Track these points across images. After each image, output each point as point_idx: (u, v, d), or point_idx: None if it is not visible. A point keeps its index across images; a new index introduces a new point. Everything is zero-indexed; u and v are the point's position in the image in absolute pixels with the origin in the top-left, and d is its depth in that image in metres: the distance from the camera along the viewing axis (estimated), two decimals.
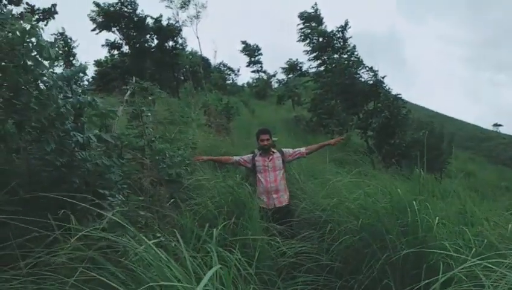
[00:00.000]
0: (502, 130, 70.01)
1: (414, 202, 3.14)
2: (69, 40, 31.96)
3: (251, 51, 51.15)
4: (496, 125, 73.57)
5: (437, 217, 2.90)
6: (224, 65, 51.96)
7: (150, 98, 3.91)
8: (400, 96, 22.99)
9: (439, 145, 19.90)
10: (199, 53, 43.19)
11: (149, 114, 3.63)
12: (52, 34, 30.79)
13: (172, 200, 3.62)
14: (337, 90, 24.90)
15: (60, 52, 3.54)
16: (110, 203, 2.39)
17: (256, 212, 3.93)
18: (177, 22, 37.68)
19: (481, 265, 2.11)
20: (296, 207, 4.84)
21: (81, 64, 3.58)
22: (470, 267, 2.14)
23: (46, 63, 2.93)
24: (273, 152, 4.91)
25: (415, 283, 2.42)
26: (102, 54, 38.39)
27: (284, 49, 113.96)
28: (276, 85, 49.70)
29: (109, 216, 2.07)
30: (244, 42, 51.02)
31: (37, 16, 20.29)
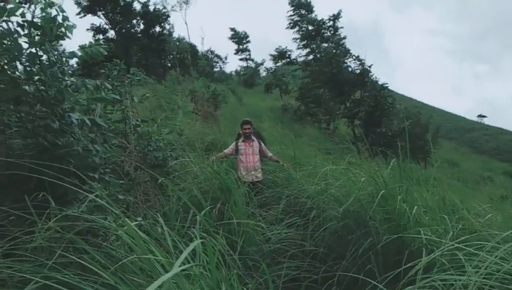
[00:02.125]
0: (486, 121, 71.45)
1: (397, 190, 3.18)
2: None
3: (239, 39, 50.67)
4: (480, 116, 74.92)
5: (417, 206, 2.93)
6: (212, 52, 51.47)
7: (126, 81, 3.76)
8: (386, 85, 23.12)
9: (424, 135, 20.16)
10: (187, 40, 42.58)
11: (134, 97, 3.53)
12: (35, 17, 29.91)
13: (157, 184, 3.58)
14: (325, 79, 24.89)
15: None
16: (91, 187, 2.33)
17: (242, 199, 3.93)
18: (165, 7, 37.07)
19: (463, 251, 2.14)
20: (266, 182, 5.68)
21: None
22: (451, 253, 2.17)
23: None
24: (253, 140, 6.16)
25: (398, 268, 2.45)
26: (87, 38, 37.46)
27: (272, 39, 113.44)
28: (264, 73, 49.41)
29: (88, 199, 2.02)
30: (232, 29, 50.52)
31: None
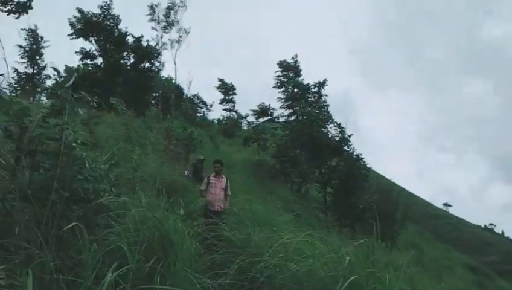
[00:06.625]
0: (451, 210, 73.68)
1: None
2: (40, 39, 30.64)
3: (226, 89, 51.31)
4: (445, 205, 77.15)
5: None
6: (199, 98, 51.61)
7: (76, 95, 3.09)
8: (362, 157, 23.20)
9: (394, 214, 19.89)
10: (174, 80, 42.69)
11: (80, 112, 2.91)
12: (22, 29, 29.61)
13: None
14: (304, 140, 24.85)
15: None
16: None
17: (185, 257, 3.25)
18: (158, 44, 37.47)
19: None
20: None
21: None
22: None
23: None
24: (223, 177, 7.52)
25: None
26: (73, 61, 36.91)
27: (258, 93, 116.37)
28: (245, 127, 49.56)
29: None
30: (221, 80, 51.24)
31: (8, 7, 19.27)
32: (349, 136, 23.93)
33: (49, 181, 2.99)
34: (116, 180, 3.92)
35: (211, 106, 51.84)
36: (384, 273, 3.15)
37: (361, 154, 23.29)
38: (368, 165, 23.88)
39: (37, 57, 30.07)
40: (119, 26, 35.25)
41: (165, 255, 3.13)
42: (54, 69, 29.58)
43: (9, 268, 2.05)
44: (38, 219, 2.62)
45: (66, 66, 30.16)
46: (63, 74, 30.55)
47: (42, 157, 3.38)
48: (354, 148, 23.78)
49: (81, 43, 35.19)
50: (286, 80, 34.43)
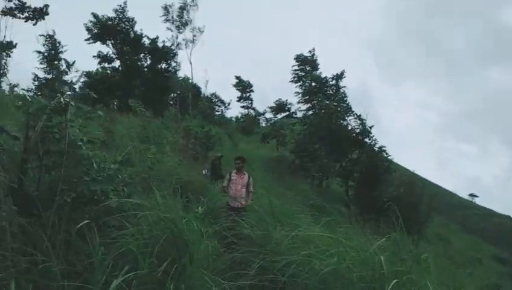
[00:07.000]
0: (477, 200, 71.42)
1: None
2: (58, 44, 31.14)
3: (243, 87, 51.21)
4: (471, 195, 74.80)
5: None
6: (216, 97, 51.74)
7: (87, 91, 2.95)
8: (384, 149, 22.57)
9: (418, 205, 19.27)
10: (190, 79, 42.83)
11: (73, 104, 2.77)
12: (40, 35, 30.15)
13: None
14: (322, 134, 24.35)
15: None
16: None
17: (201, 257, 3.08)
18: (173, 44, 37.65)
19: None
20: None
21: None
22: None
23: None
24: (244, 174, 7.37)
25: None
26: (92, 65, 37.41)
27: (274, 91, 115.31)
28: (263, 123, 49.39)
29: None
30: (238, 77, 51.15)
31: (26, 14, 19.75)
32: (371, 127, 23.26)
33: (56, 182, 2.87)
34: (130, 179, 3.79)
35: (228, 104, 51.91)
36: (414, 272, 2.91)
37: (384, 146, 22.64)
38: (390, 157, 23.22)
39: (56, 62, 30.55)
40: (135, 28, 35.57)
41: (180, 256, 2.97)
42: (53, 63, 29.86)
43: (4, 278, 1.92)
44: (43, 222, 2.51)
45: (64, 60, 30.37)
46: (64, 69, 30.84)
47: (55, 156, 3.26)
48: (375, 139, 23.11)
49: (99, 46, 35.75)
50: (303, 74, 34.08)
